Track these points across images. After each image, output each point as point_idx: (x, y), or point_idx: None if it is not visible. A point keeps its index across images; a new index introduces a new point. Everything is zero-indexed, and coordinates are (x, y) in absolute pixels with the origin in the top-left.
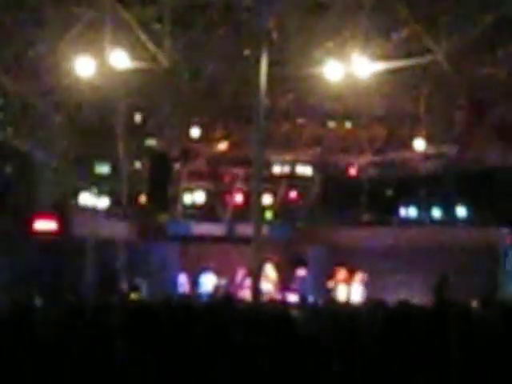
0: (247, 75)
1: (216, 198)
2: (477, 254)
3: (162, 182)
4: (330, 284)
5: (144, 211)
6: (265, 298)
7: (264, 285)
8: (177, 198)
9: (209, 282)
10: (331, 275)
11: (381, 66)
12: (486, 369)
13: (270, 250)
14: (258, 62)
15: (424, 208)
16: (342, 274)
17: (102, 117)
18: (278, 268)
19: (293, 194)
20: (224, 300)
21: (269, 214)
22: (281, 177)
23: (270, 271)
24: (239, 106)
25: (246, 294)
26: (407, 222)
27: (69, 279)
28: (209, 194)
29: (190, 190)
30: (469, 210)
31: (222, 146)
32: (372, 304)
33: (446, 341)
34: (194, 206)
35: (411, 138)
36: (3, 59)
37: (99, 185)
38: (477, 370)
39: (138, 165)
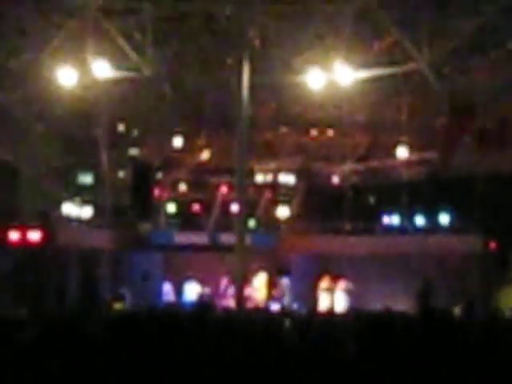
0: (229, 84)
1: (199, 208)
2: (460, 261)
3: (144, 191)
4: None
5: (127, 221)
6: (248, 306)
7: (255, 293)
8: (160, 208)
9: (192, 290)
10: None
11: (363, 74)
12: (469, 374)
13: (254, 258)
14: (240, 70)
15: (407, 215)
16: (325, 282)
17: (84, 126)
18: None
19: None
20: (202, 309)
21: (252, 223)
22: (264, 185)
23: (261, 280)
24: (221, 115)
25: (229, 302)
26: (390, 229)
27: (52, 290)
28: (192, 203)
29: (173, 199)
30: (452, 217)
31: (205, 155)
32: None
33: (428, 347)
34: (176, 216)
35: (394, 145)
36: None
37: (82, 195)
38: (460, 377)
39: (121, 174)
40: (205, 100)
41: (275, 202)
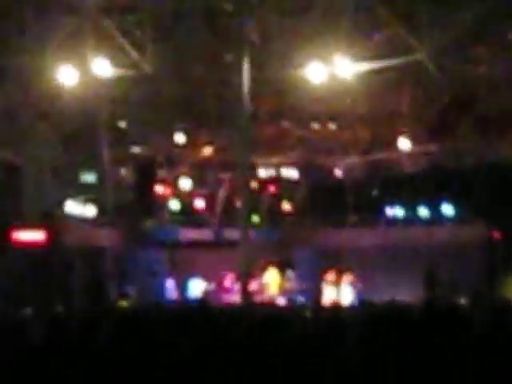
0: (230, 79)
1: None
2: (465, 251)
3: (147, 188)
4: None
5: (130, 218)
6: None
7: (266, 288)
8: (163, 204)
9: (197, 287)
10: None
11: (363, 66)
12: (475, 368)
13: (258, 253)
14: (240, 65)
15: (410, 207)
16: (330, 275)
17: (86, 125)
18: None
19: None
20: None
21: (255, 218)
22: (266, 180)
23: (273, 275)
24: (223, 111)
25: (236, 297)
26: (394, 221)
27: (57, 289)
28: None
29: (176, 196)
30: (455, 207)
31: (207, 150)
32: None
33: (432, 338)
34: (180, 212)
35: (395, 137)
36: None
37: (85, 193)
38: (467, 370)
39: (123, 172)
40: (206, 96)
41: (279, 197)
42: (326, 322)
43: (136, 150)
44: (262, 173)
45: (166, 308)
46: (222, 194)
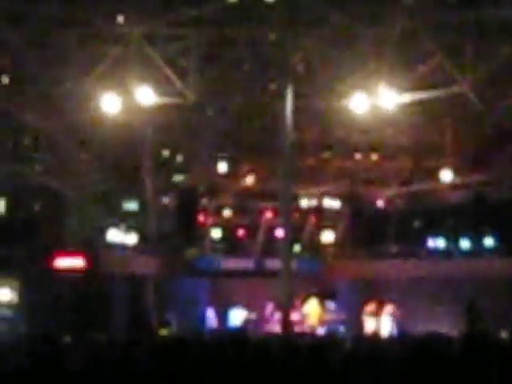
0: (273, 109)
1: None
2: (507, 284)
3: (189, 217)
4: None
5: (172, 247)
6: (296, 331)
7: (305, 318)
8: (205, 233)
9: (238, 316)
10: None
11: (406, 97)
12: None
13: (299, 284)
14: (283, 95)
15: (452, 239)
16: (370, 306)
17: (129, 153)
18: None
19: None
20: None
21: (297, 248)
22: (308, 210)
23: (313, 305)
24: (265, 140)
25: (275, 327)
26: (435, 253)
27: (98, 316)
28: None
29: (218, 225)
30: (497, 239)
31: (249, 180)
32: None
33: (475, 372)
34: (222, 241)
35: (438, 168)
36: (31, 97)
37: (127, 221)
38: None
39: (165, 200)
40: (248, 125)
41: (320, 227)
42: (365, 352)
43: (179, 178)
44: (304, 203)
45: (205, 337)
46: (263, 223)
